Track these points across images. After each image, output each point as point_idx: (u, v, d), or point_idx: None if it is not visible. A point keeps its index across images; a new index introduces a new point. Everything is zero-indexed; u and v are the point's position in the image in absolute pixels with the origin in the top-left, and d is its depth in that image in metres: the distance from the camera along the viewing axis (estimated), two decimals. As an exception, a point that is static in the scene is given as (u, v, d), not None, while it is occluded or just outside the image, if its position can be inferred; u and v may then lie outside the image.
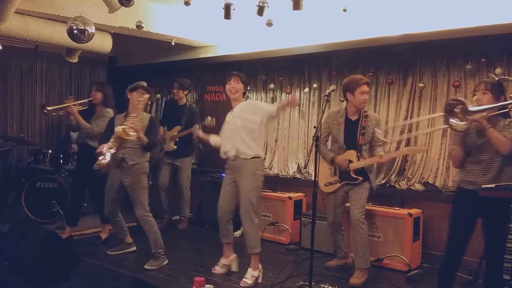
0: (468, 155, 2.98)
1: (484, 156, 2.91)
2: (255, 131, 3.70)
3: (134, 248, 4.53)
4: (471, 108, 2.69)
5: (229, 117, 3.86)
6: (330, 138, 4.11)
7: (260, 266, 3.80)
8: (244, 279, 3.71)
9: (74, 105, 4.61)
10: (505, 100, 2.96)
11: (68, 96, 4.92)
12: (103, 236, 4.85)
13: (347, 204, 3.99)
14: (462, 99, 2.66)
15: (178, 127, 5.36)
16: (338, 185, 3.92)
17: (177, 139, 5.38)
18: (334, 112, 4.03)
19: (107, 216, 4.40)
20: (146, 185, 4.12)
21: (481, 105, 2.83)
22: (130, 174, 4.04)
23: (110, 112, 4.68)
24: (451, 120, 2.72)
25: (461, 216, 3.05)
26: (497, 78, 3.75)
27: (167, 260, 4.15)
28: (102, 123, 4.54)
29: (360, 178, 3.80)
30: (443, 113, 2.82)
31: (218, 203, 3.87)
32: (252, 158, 3.67)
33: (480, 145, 2.92)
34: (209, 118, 4.40)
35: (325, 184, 4.04)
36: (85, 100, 4.88)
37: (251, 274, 3.73)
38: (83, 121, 4.56)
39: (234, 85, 3.79)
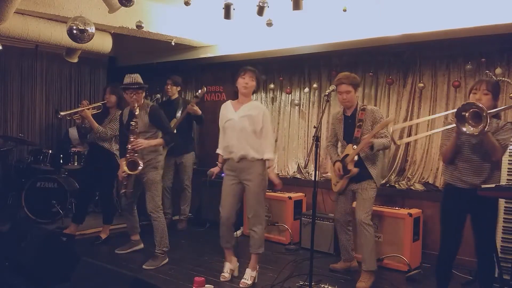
0: (459, 153, 2.98)
1: (476, 156, 2.92)
2: (258, 136, 3.67)
3: (142, 245, 4.58)
4: (490, 111, 2.66)
5: (231, 112, 3.72)
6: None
7: (257, 266, 3.80)
8: (243, 280, 3.69)
9: (88, 109, 4.64)
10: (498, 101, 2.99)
11: (82, 101, 4.96)
12: (103, 236, 4.85)
13: (354, 205, 3.94)
14: (476, 102, 2.65)
15: (174, 120, 5.35)
16: (342, 181, 3.87)
17: (175, 131, 5.37)
18: (336, 112, 4.06)
19: (122, 209, 4.46)
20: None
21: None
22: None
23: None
24: (463, 128, 2.68)
25: (453, 214, 3.06)
26: (496, 78, 3.74)
27: (167, 259, 4.17)
28: (116, 126, 4.60)
29: (354, 169, 3.70)
30: (454, 117, 2.77)
31: (222, 207, 3.76)
32: (259, 159, 3.65)
33: (473, 145, 2.92)
34: (197, 93, 4.60)
35: (334, 184, 4.03)
36: (99, 104, 4.90)
37: (250, 275, 3.72)
38: (96, 124, 4.60)
39: (247, 81, 3.66)
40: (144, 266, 4.03)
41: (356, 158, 3.72)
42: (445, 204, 3.13)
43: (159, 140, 4.11)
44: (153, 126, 4.13)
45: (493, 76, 3.96)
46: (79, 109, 4.69)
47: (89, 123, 4.64)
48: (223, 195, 3.78)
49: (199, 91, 4.96)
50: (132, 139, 3.98)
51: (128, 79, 4.13)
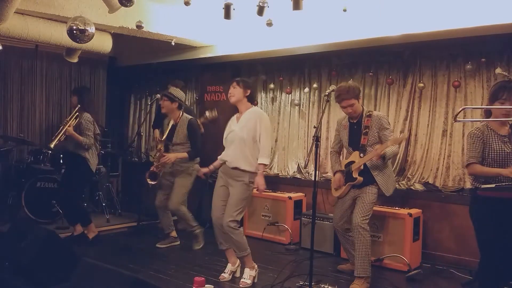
0: (495, 163, 2.85)
1: None
2: (257, 145, 3.68)
3: (178, 242, 4.85)
4: None
5: (234, 124, 3.78)
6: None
7: (255, 265, 3.80)
8: (243, 280, 3.71)
9: (70, 126, 4.60)
10: None
11: (63, 121, 4.93)
12: (90, 235, 4.81)
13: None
14: None
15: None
16: (344, 187, 3.86)
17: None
18: (341, 118, 4.04)
19: (156, 208, 4.76)
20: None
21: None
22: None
23: (89, 116, 4.74)
24: None
25: (490, 222, 2.86)
26: (508, 77, 3.69)
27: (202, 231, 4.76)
28: (90, 132, 4.66)
29: (360, 178, 3.73)
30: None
31: (212, 208, 3.82)
32: (250, 172, 3.66)
33: (508, 153, 2.83)
34: (207, 112, 4.77)
35: (335, 189, 4.01)
36: (75, 113, 4.74)
37: (249, 274, 3.73)
38: (81, 138, 4.62)
39: (230, 91, 3.76)
40: (195, 248, 4.66)
41: (362, 167, 3.72)
42: (480, 212, 2.93)
43: (183, 154, 4.48)
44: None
45: (505, 74, 3.89)
46: (63, 130, 4.59)
47: (75, 139, 4.60)
48: (213, 196, 3.87)
49: (208, 112, 4.98)
50: (162, 153, 4.47)
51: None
